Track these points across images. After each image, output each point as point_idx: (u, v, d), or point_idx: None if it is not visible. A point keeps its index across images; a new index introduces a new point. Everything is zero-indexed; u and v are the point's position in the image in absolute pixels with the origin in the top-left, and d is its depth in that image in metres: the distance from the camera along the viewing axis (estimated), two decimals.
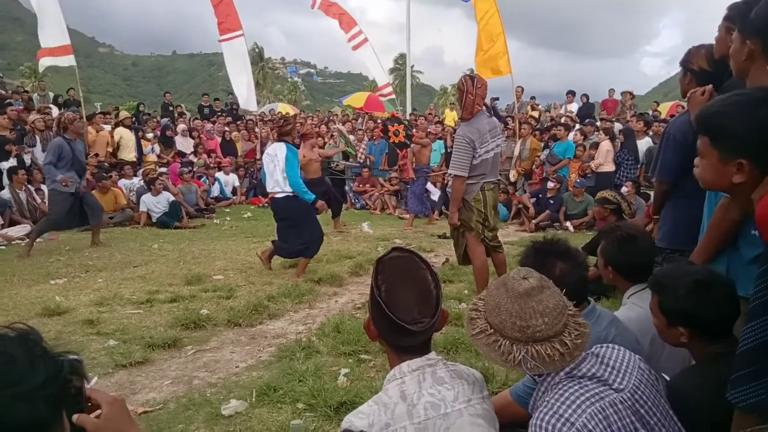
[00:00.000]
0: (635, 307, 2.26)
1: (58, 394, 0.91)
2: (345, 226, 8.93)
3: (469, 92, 4.38)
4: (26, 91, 15.93)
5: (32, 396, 0.85)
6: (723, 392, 1.45)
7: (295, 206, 5.69)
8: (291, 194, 5.63)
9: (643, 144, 10.06)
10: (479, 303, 1.51)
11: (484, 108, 4.52)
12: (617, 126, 11.16)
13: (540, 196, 10.13)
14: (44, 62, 11.40)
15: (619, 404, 1.37)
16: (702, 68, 2.76)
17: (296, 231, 5.76)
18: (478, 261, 4.57)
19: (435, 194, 11.33)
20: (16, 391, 0.84)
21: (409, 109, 19.09)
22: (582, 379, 1.41)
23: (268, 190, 5.86)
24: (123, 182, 10.71)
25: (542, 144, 11.20)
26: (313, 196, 5.75)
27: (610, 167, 9.93)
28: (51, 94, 15.26)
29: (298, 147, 6.88)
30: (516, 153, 11.09)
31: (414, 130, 11.75)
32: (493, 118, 4.71)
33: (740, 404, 1.26)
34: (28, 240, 7.14)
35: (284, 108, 22.04)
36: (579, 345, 1.40)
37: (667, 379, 1.84)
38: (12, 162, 9.58)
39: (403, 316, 1.37)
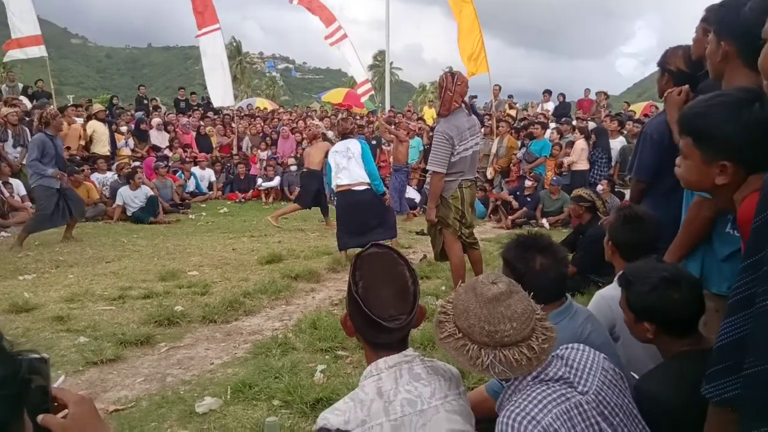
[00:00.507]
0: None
1: (16, 394, 0.88)
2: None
3: (448, 88, 4.38)
4: None
5: None
6: (689, 391, 1.47)
7: (375, 197, 6.10)
8: (368, 187, 5.97)
9: (617, 143, 10.23)
10: (448, 306, 1.50)
11: (463, 106, 4.50)
12: (591, 125, 11.33)
13: (518, 193, 10.23)
14: (12, 54, 11.13)
15: (585, 405, 1.40)
16: (679, 69, 2.80)
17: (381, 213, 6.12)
18: (455, 258, 4.59)
19: (410, 193, 11.39)
20: None
21: (387, 106, 19.10)
22: (549, 381, 1.43)
23: (343, 183, 5.99)
24: (96, 176, 10.49)
25: (519, 142, 11.30)
26: (383, 189, 6.24)
27: (584, 165, 10.07)
28: (20, 86, 14.86)
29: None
30: (493, 151, 11.17)
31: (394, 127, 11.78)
32: (473, 116, 4.70)
33: (715, 399, 1.27)
34: (17, 237, 6.93)
35: (262, 103, 21.87)
36: (546, 350, 1.41)
37: (636, 377, 1.86)
38: None
39: (380, 313, 1.36)
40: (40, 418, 1.03)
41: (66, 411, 1.17)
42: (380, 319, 1.36)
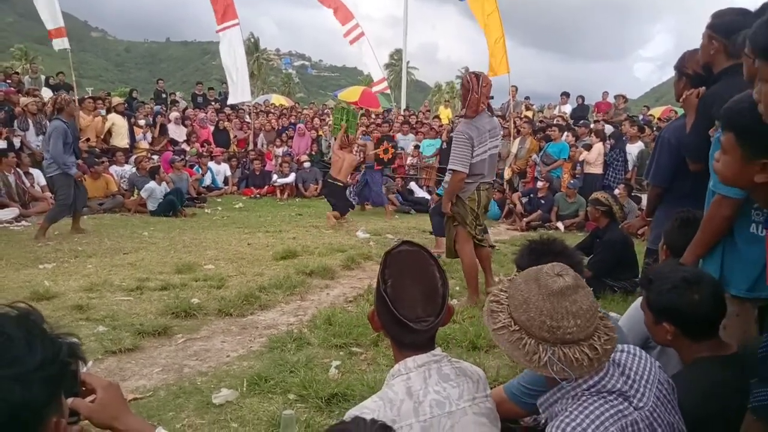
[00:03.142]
0: None
1: (55, 376, 0.89)
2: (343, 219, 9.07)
3: (474, 90, 4.28)
4: (17, 73, 15.72)
5: (27, 378, 0.84)
6: (712, 399, 1.45)
7: None
8: None
9: (635, 148, 10.14)
10: (501, 295, 1.43)
11: (486, 108, 4.43)
12: (608, 128, 11.24)
13: (531, 195, 10.19)
14: (56, 43, 11.38)
15: (639, 423, 1.34)
16: (696, 72, 2.83)
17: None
18: (467, 258, 4.56)
19: (419, 193, 11.44)
20: (10, 372, 0.82)
21: (403, 105, 19.10)
22: (605, 394, 1.36)
23: None
24: (114, 168, 10.62)
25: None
26: None
27: (598, 169, 10.00)
28: (42, 77, 15.08)
29: None
30: (513, 151, 11.11)
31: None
32: (494, 117, 4.62)
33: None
34: (39, 227, 6.96)
35: (278, 99, 21.96)
36: (608, 351, 1.34)
37: None
38: (2, 144, 9.46)
39: (407, 314, 1.34)
40: (69, 401, 1.05)
41: (94, 396, 1.20)
42: (407, 319, 1.34)
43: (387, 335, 1.46)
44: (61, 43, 11.44)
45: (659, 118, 13.79)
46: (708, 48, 2.52)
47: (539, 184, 10.07)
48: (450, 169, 4.42)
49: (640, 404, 1.36)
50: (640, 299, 2.40)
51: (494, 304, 1.42)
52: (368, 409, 1.33)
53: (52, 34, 11.34)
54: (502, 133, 10.83)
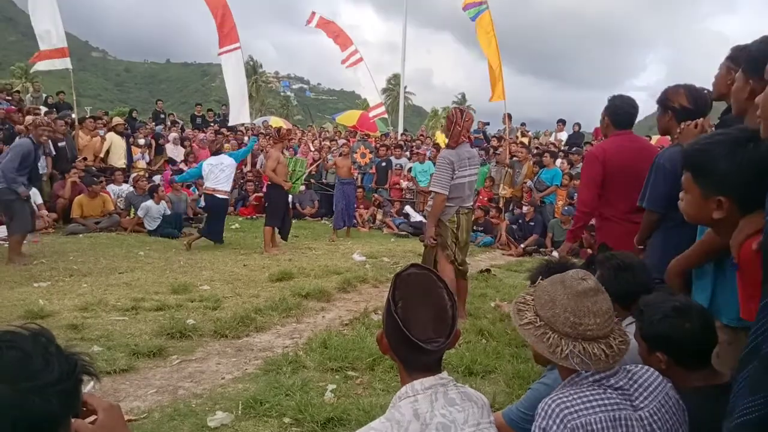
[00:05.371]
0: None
1: (71, 391, 0.93)
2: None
3: (458, 123, 4.70)
4: (17, 92, 15.82)
5: (47, 391, 0.87)
6: (706, 428, 1.47)
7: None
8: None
9: None
10: (528, 297, 1.60)
11: (466, 140, 4.84)
12: None
13: (520, 221, 10.24)
14: (38, 66, 11.42)
15: (633, 421, 1.42)
16: (683, 106, 2.92)
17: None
18: (447, 279, 4.62)
19: (415, 217, 11.48)
20: (31, 385, 0.86)
21: (400, 130, 19.27)
22: (608, 388, 1.47)
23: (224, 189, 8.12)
24: (111, 187, 10.62)
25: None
26: None
27: None
28: (44, 96, 15.17)
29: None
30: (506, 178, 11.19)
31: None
32: (473, 149, 5.10)
33: None
34: (11, 251, 6.63)
35: (276, 122, 22.09)
36: (622, 350, 1.48)
37: None
38: None
39: (419, 334, 1.36)
40: (71, 421, 1.07)
41: (94, 417, 1.21)
42: (418, 340, 1.35)
43: (395, 357, 1.46)
44: (48, 65, 11.48)
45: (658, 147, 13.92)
46: (725, 78, 2.55)
47: (524, 208, 10.18)
48: (431, 191, 4.82)
49: (641, 405, 1.46)
50: (632, 327, 2.42)
51: (521, 304, 1.60)
52: (375, 430, 1.34)
53: (40, 56, 11.36)
54: (496, 159, 10.94)
